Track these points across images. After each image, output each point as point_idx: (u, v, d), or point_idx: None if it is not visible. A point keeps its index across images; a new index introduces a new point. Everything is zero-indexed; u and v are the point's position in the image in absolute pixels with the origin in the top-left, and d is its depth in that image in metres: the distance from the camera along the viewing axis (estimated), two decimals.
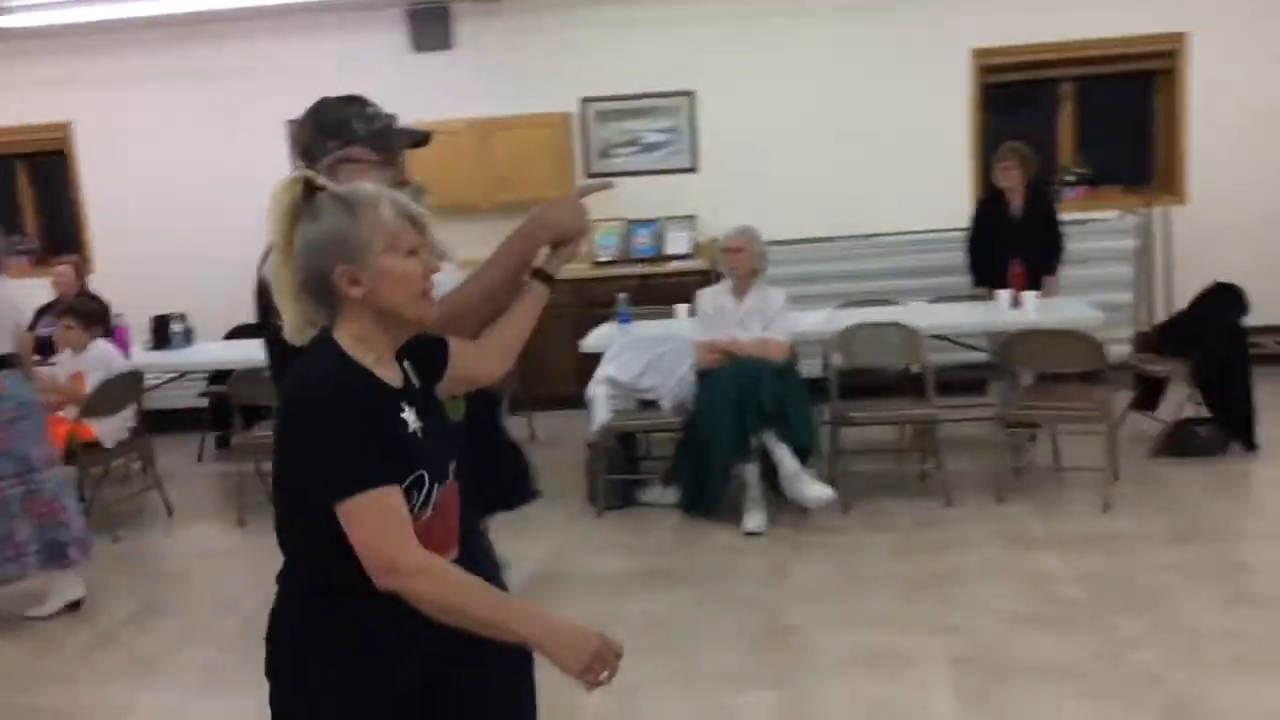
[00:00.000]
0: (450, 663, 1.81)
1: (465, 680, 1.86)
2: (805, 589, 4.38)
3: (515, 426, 6.14)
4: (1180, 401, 5.78)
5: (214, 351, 6.56)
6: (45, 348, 6.02)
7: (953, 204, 7.10)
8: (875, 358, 5.42)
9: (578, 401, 5.72)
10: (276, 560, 1.80)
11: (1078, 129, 7.70)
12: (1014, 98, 7.71)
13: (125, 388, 5.75)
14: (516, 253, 2.10)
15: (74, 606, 4.62)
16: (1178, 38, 7.26)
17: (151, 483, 6.04)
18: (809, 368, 5.68)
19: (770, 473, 5.10)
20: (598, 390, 5.52)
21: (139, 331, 6.80)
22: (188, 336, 6.40)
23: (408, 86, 7.71)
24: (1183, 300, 6.55)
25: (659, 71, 7.68)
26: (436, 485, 1.74)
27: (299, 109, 2.29)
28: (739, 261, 5.25)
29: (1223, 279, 5.96)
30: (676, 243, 7.71)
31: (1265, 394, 5.74)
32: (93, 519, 5.43)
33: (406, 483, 1.67)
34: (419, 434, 1.74)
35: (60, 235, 8.43)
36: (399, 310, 1.72)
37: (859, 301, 6.37)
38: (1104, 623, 3.85)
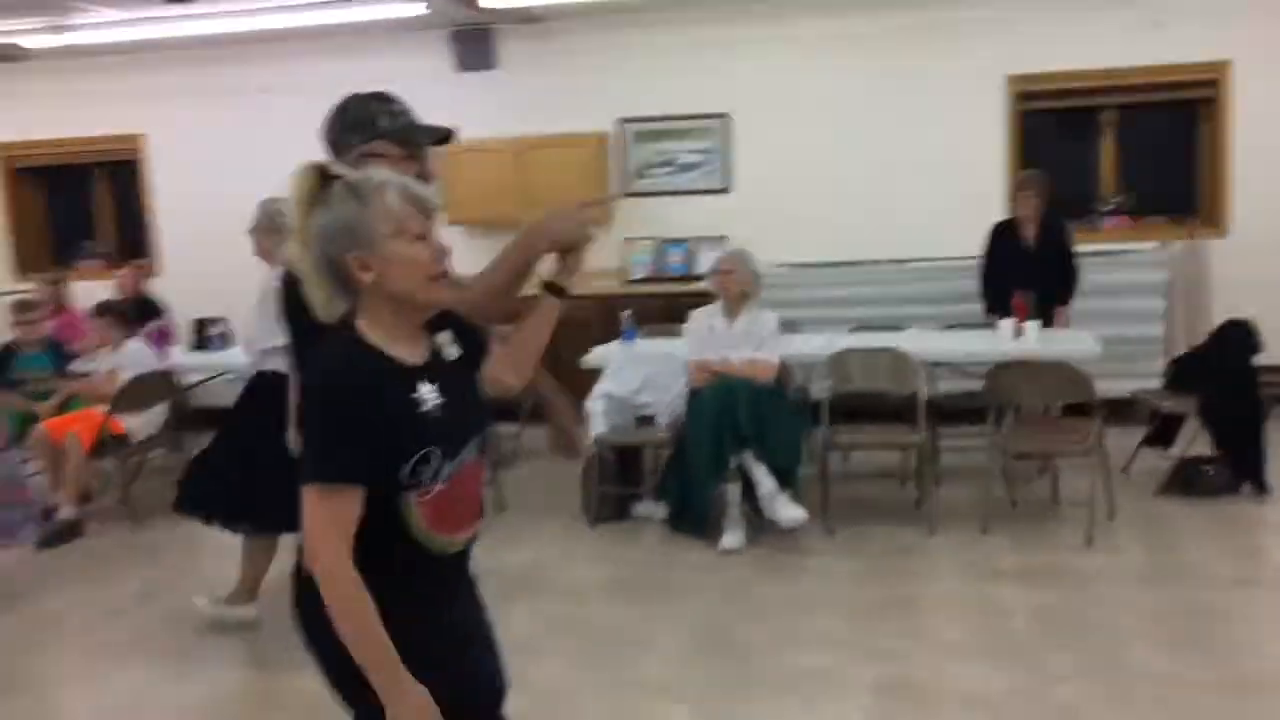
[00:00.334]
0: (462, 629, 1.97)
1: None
2: (761, 608, 4.44)
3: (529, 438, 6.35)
4: (1191, 439, 5.67)
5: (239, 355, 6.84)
6: None
7: (986, 230, 7.05)
8: (868, 383, 5.44)
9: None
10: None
11: (1119, 158, 7.57)
12: (1054, 125, 7.62)
13: (156, 385, 6.10)
14: (515, 258, 2.15)
15: None
16: (1222, 66, 7.09)
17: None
18: (816, 391, 5.72)
19: (754, 493, 5.17)
20: (595, 404, 5.66)
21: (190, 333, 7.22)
22: (224, 339, 6.73)
23: (450, 105, 7.98)
24: None
25: (696, 93, 7.80)
26: (448, 461, 1.81)
27: None
28: (729, 283, 5.35)
29: (1261, 312, 5.80)
30: (708, 262, 7.79)
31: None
32: (124, 508, 5.83)
33: (412, 459, 1.76)
34: (437, 410, 1.80)
35: (133, 240, 8.92)
36: (409, 294, 1.79)
37: (870, 326, 6.38)
38: (1037, 658, 3.83)
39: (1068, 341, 5.53)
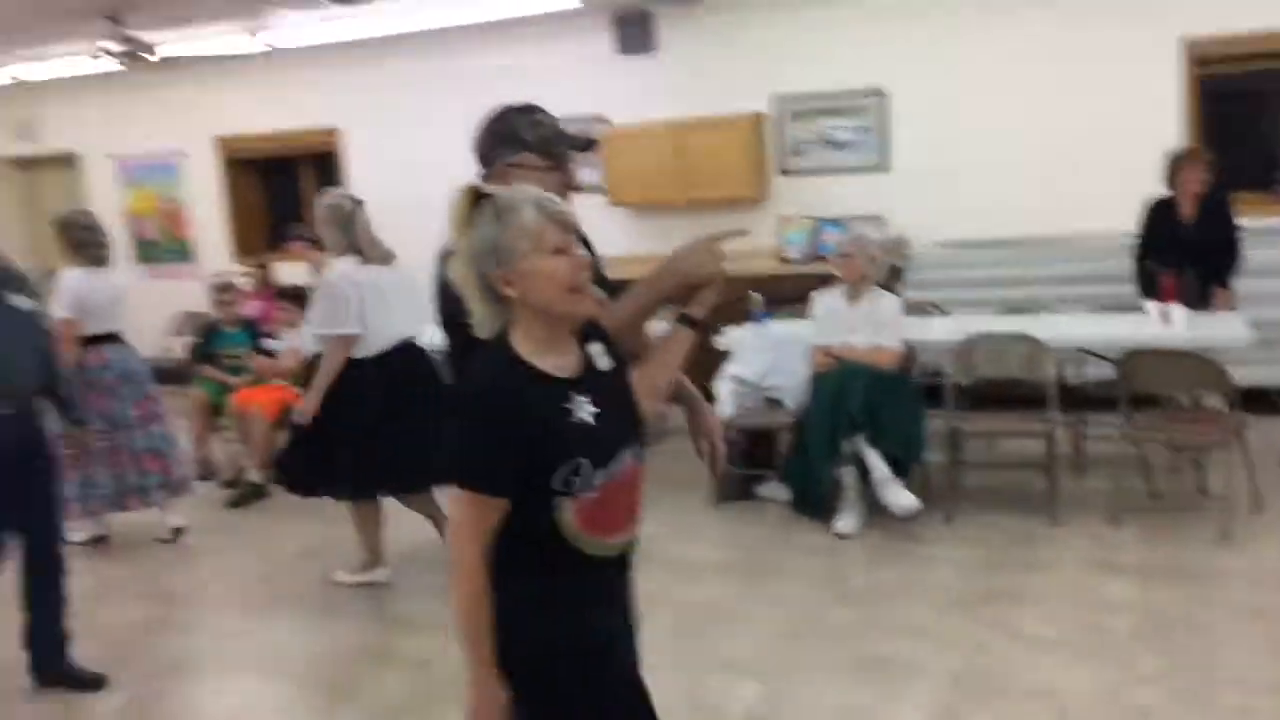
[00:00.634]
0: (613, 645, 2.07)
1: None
2: (859, 593, 4.49)
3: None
4: None
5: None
6: None
7: (1143, 207, 6.69)
8: (997, 369, 5.32)
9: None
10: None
11: None
12: (1238, 94, 7.10)
13: None
14: (645, 295, 2.17)
15: (177, 532, 5.75)
16: None
17: None
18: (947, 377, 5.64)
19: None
20: (724, 386, 5.79)
21: None
22: None
23: (611, 89, 8.26)
24: None
25: (853, 69, 7.71)
26: (600, 470, 1.89)
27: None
28: (850, 267, 5.35)
29: None
30: None
31: None
32: None
33: (562, 469, 1.85)
34: (588, 420, 1.88)
35: None
36: (550, 306, 1.87)
37: (1018, 308, 6.19)
38: (1126, 657, 3.73)
39: (1214, 326, 5.22)
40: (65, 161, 10.43)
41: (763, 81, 7.96)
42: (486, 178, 2.32)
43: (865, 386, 5.08)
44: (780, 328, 6.03)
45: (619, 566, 2.06)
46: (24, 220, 10.58)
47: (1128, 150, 7.02)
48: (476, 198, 1.91)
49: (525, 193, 1.90)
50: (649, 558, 4.91)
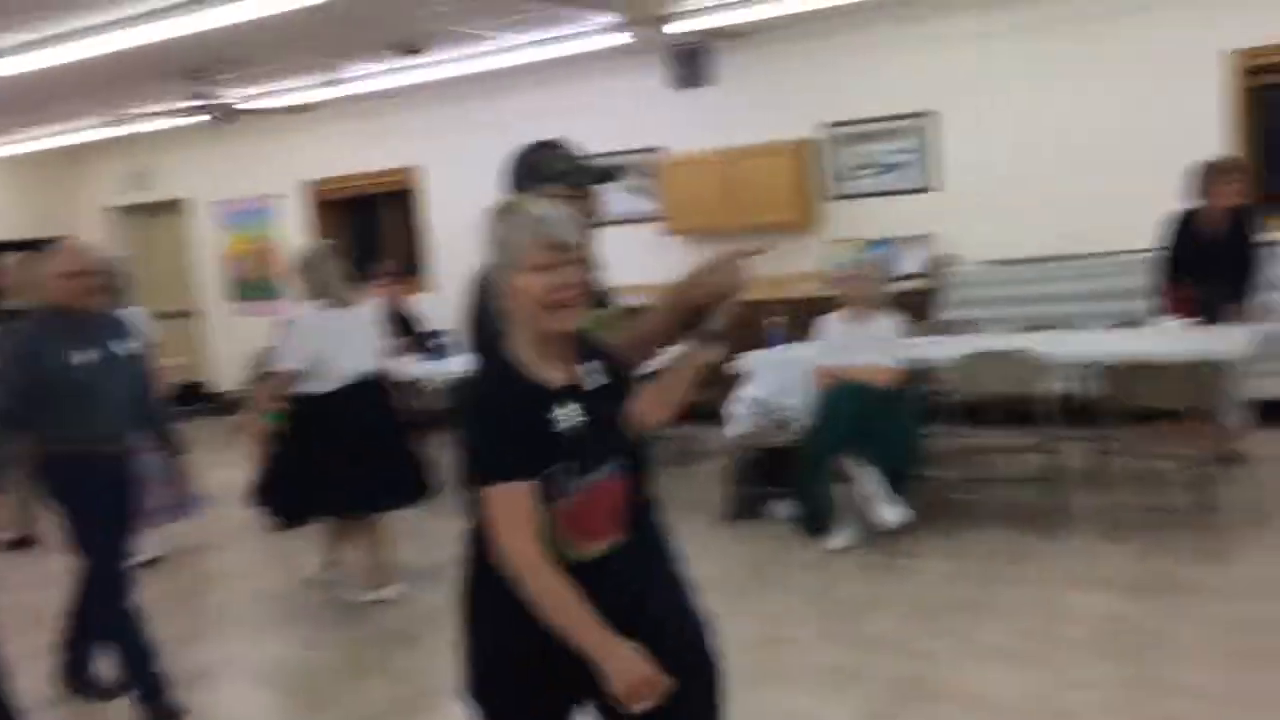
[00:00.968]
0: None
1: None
2: (830, 606, 4.57)
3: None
4: None
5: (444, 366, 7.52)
6: None
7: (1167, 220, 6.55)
8: (995, 386, 5.32)
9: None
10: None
11: None
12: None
13: None
14: (665, 311, 2.22)
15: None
16: None
17: None
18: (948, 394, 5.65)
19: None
20: (737, 406, 5.93)
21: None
22: (442, 350, 7.57)
23: (666, 122, 8.54)
24: None
25: (901, 93, 7.80)
26: (582, 476, 1.96)
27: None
28: (854, 290, 5.45)
29: None
30: (909, 262, 7.77)
31: None
32: None
33: (545, 470, 1.92)
34: (574, 428, 1.96)
35: (414, 261, 10.16)
36: (531, 321, 1.97)
37: (1044, 325, 6.16)
38: (1067, 665, 3.73)
39: (1210, 340, 5.10)
40: (172, 207, 11.30)
41: (812, 109, 8.12)
42: None
43: (858, 403, 5.15)
44: (794, 349, 6.13)
45: (598, 573, 2.01)
46: (140, 263, 11.44)
47: (1174, 165, 6.89)
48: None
49: (528, 214, 1.99)
50: None
